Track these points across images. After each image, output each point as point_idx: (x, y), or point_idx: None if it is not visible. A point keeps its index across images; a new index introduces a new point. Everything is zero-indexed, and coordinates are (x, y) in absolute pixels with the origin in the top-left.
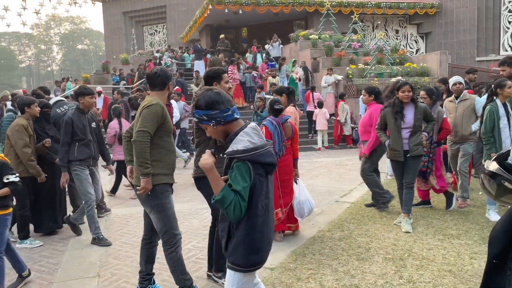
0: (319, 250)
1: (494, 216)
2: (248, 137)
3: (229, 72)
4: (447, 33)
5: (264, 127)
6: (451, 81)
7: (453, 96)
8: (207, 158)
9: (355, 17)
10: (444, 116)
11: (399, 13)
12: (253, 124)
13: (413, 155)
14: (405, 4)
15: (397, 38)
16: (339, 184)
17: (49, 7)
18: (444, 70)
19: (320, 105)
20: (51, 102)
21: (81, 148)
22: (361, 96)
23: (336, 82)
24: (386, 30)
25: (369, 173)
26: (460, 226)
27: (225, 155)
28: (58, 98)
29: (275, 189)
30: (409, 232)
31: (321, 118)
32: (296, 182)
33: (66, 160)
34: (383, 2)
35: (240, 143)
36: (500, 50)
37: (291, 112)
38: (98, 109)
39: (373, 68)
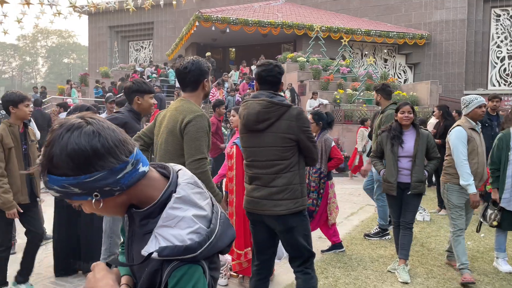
0: None
1: (504, 266)
2: (192, 206)
3: (210, 95)
4: (436, 65)
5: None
6: (476, 101)
7: (467, 119)
8: (101, 279)
9: (345, 41)
10: (333, 144)
11: (389, 42)
12: (186, 173)
13: (414, 192)
14: (395, 33)
15: (385, 67)
16: None
17: (32, 16)
18: (435, 100)
19: None
20: None
21: None
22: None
23: (320, 106)
24: (374, 58)
25: None
26: None
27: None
28: None
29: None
30: (407, 283)
31: None
32: None
33: None
34: (372, 30)
35: (180, 224)
36: (488, 85)
37: None
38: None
39: (361, 94)
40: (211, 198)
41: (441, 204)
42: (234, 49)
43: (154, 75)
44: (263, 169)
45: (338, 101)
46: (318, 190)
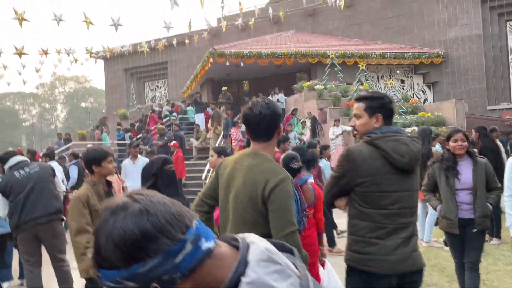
0: None
1: None
2: None
3: (232, 133)
4: (455, 82)
5: None
6: None
7: None
8: None
9: (362, 66)
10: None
11: (404, 63)
12: (258, 246)
13: (479, 229)
14: (410, 54)
15: (403, 88)
16: None
17: (50, 65)
18: (461, 119)
19: None
20: (11, 163)
21: None
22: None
23: (343, 133)
24: (392, 80)
25: None
26: None
27: None
28: (21, 158)
29: None
30: None
31: None
32: (323, 265)
33: None
34: (387, 52)
35: None
36: None
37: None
38: None
39: None
40: (299, 273)
41: (492, 233)
42: (247, 81)
43: (174, 114)
44: (411, 217)
45: None
46: None
